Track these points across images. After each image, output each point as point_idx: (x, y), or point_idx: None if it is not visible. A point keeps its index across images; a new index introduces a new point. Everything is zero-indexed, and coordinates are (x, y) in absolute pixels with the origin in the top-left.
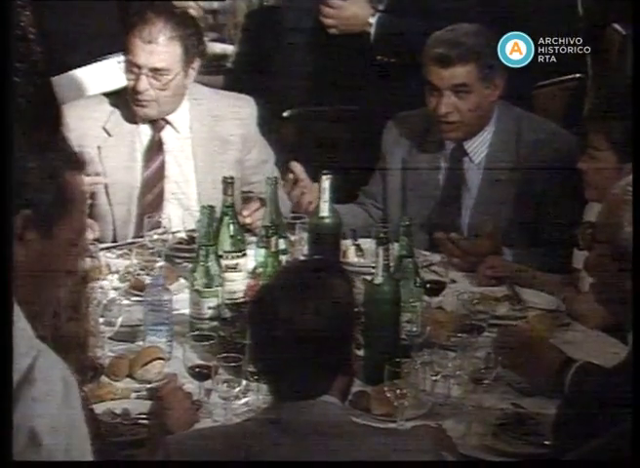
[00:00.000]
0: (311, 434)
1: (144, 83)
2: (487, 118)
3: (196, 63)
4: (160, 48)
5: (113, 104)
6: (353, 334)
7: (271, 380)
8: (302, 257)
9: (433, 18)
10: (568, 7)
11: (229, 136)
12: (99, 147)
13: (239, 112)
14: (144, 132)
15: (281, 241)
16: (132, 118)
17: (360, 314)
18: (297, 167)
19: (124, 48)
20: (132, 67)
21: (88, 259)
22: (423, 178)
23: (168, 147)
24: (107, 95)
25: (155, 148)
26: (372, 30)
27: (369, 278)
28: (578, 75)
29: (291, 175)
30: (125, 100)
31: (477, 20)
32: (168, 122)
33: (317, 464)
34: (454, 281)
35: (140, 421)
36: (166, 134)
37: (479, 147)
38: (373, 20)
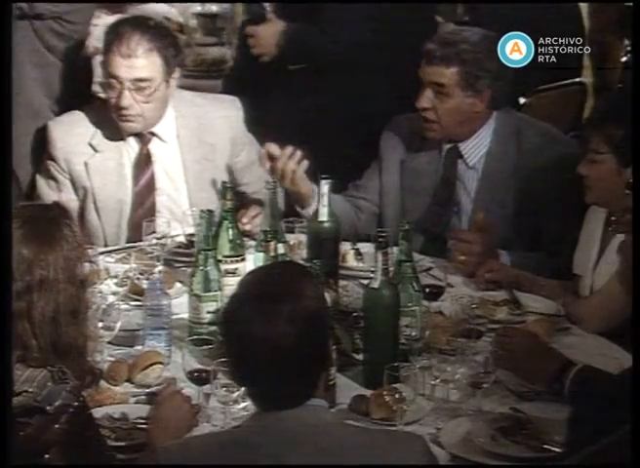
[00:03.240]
0: (303, 440)
1: (128, 98)
2: (473, 126)
3: (176, 73)
4: (140, 60)
5: (97, 120)
6: (329, 331)
7: (253, 392)
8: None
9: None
10: (569, 10)
11: (217, 141)
12: (85, 163)
13: (225, 115)
14: (131, 145)
15: (280, 245)
16: (117, 133)
17: (359, 318)
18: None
19: (104, 65)
20: (113, 83)
21: (87, 264)
22: (420, 179)
23: (156, 159)
24: (91, 110)
25: (144, 161)
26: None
27: (368, 282)
28: (578, 79)
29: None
30: (109, 116)
31: None
32: (154, 134)
33: None
34: (451, 285)
35: (139, 426)
36: (153, 146)
37: (474, 150)
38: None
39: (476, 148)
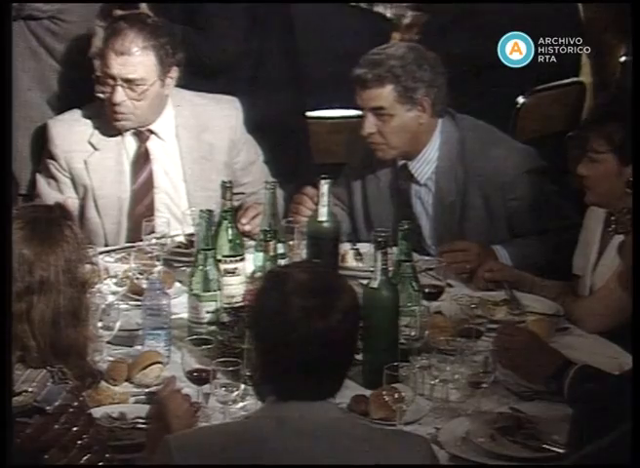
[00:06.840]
0: (313, 433)
1: (120, 94)
2: (422, 140)
3: (174, 73)
4: (133, 58)
5: (97, 118)
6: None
7: (278, 382)
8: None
9: None
10: (568, 10)
11: (216, 141)
12: (85, 162)
13: (225, 115)
14: (130, 143)
15: (279, 245)
16: (116, 131)
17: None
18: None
19: (100, 59)
20: (107, 79)
21: (87, 265)
22: (381, 194)
23: (155, 157)
24: (90, 109)
25: (142, 159)
26: None
27: (367, 282)
28: (577, 79)
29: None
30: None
31: None
32: (152, 132)
33: None
34: (451, 285)
35: (138, 425)
36: (152, 144)
37: (423, 167)
38: None
39: (425, 165)
